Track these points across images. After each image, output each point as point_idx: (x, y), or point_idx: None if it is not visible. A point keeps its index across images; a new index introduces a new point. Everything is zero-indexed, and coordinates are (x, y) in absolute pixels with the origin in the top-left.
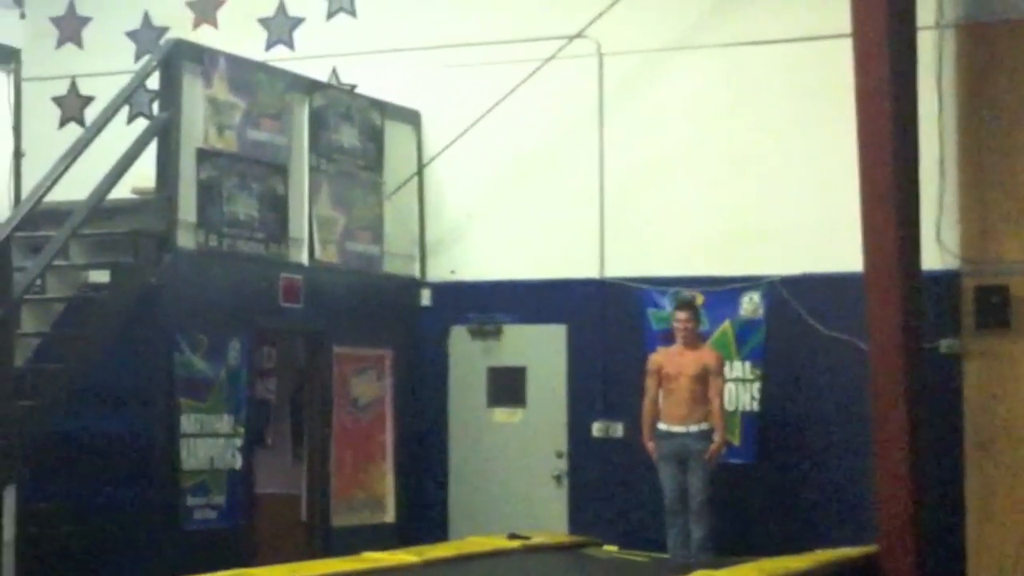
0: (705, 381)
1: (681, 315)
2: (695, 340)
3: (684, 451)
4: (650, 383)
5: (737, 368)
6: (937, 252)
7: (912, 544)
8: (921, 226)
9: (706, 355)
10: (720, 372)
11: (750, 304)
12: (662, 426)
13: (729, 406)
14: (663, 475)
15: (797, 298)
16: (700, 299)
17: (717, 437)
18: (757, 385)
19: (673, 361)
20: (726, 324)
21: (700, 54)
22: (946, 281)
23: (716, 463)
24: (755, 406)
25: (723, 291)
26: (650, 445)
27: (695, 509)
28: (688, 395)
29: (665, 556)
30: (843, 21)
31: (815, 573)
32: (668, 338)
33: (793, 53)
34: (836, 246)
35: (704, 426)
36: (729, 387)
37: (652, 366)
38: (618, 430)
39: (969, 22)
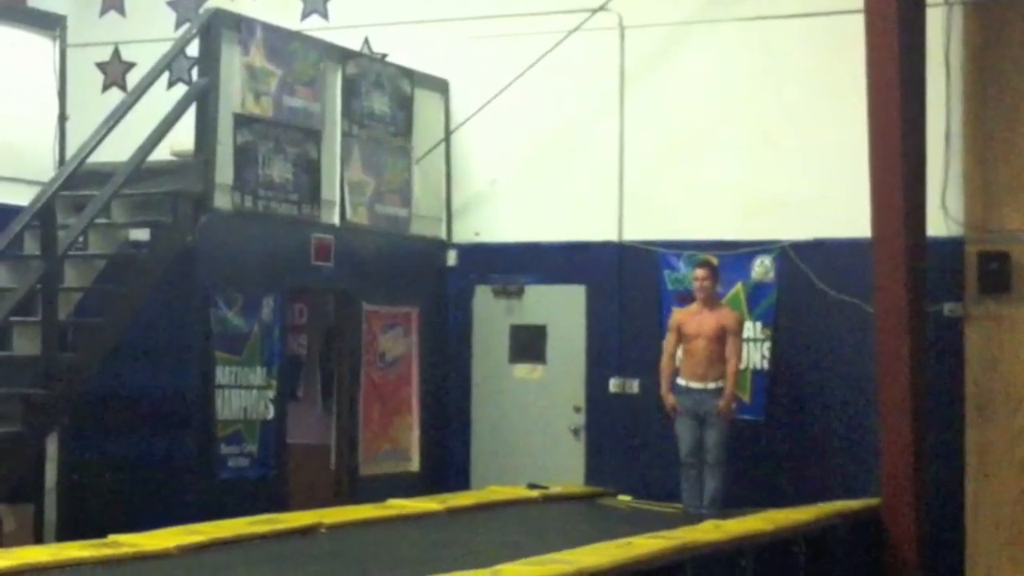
0: (722, 341)
1: (700, 272)
2: (713, 298)
3: (701, 407)
4: (669, 339)
5: (748, 328)
6: (942, 220)
7: (913, 498)
8: (927, 195)
9: (725, 315)
10: (738, 332)
11: (762, 267)
12: (681, 382)
13: (740, 365)
14: (679, 428)
15: (807, 262)
16: (715, 261)
17: (726, 395)
18: (767, 345)
19: (692, 320)
20: (738, 286)
21: (719, 28)
22: (950, 247)
23: (729, 418)
24: (765, 365)
25: (736, 255)
26: (669, 398)
27: (710, 463)
28: (706, 354)
29: (678, 506)
30: None
31: (820, 524)
32: (683, 299)
33: (810, 27)
34: (845, 213)
35: (722, 383)
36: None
37: (672, 323)
38: (634, 386)
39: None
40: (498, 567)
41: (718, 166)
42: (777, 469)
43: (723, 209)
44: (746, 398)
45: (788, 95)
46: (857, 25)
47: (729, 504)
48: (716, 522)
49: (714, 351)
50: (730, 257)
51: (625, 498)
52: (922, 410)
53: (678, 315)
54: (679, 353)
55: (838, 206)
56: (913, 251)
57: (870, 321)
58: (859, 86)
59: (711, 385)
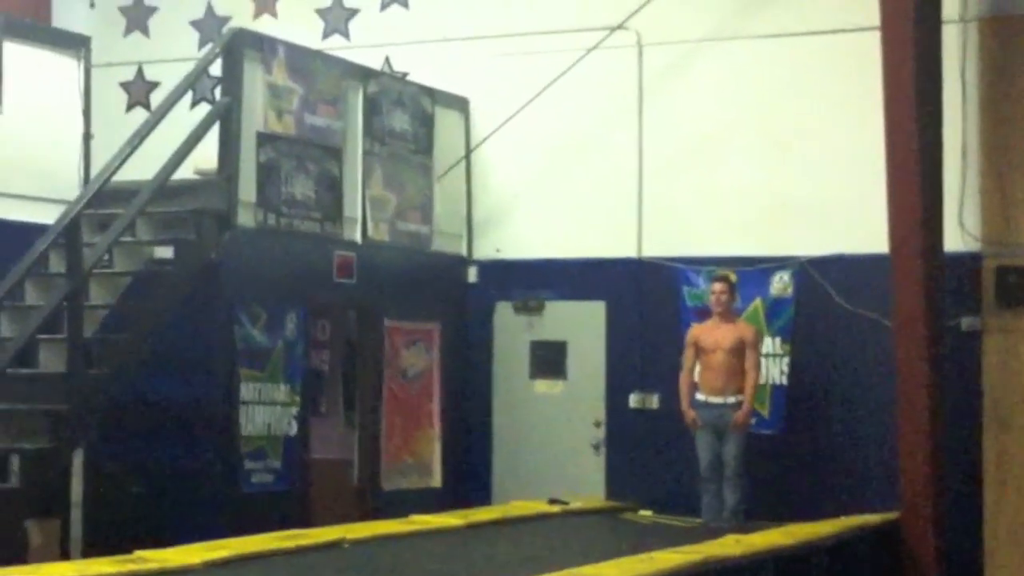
0: (741, 354)
1: (717, 286)
2: (730, 312)
3: (720, 421)
4: (688, 355)
5: (767, 344)
6: (959, 234)
7: (932, 511)
8: (944, 209)
9: (742, 329)
10: (756, 346)
11: (780, 283)
12: (700, 396)
13: (759, 380)
14: (699, 443)
15: (825, 277)
16: (734, 277)
17: (744, 407)
18: (786, 360)
19: (710, 335)
20: (757, 302)
21: (735, 45)
22: (967, 262)
23: (746, 430)
24: (784, 380)
25: (755, 270)
26: (689, 413)
27: (729, 476)
28: (724, 368)
29: (699, 520)
30: (872, 14)
31: (841, 538)
32: (702, 314)
33: (825, 44)
34: (863, 228)
35: (740, 397)
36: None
37: (690, 339)
38: (654, 401)
39: (992, 15)
40: None
41: (736, 182)
42: (797, 483)
43: (741, 225)
44: (765, 412)
45: (804, 111)
46: (873, 42)
47: (750, 517)
48: (737, 536)
49: (732, 364)
50: (749, 273)
51: (646, 512)
52: (940, 424)
53: (695, 330)
54: (697, 368)
55: (856, 221)
56: (931, 265)
57: (888, 335)
58: (875, 102)
59: (730, 399)
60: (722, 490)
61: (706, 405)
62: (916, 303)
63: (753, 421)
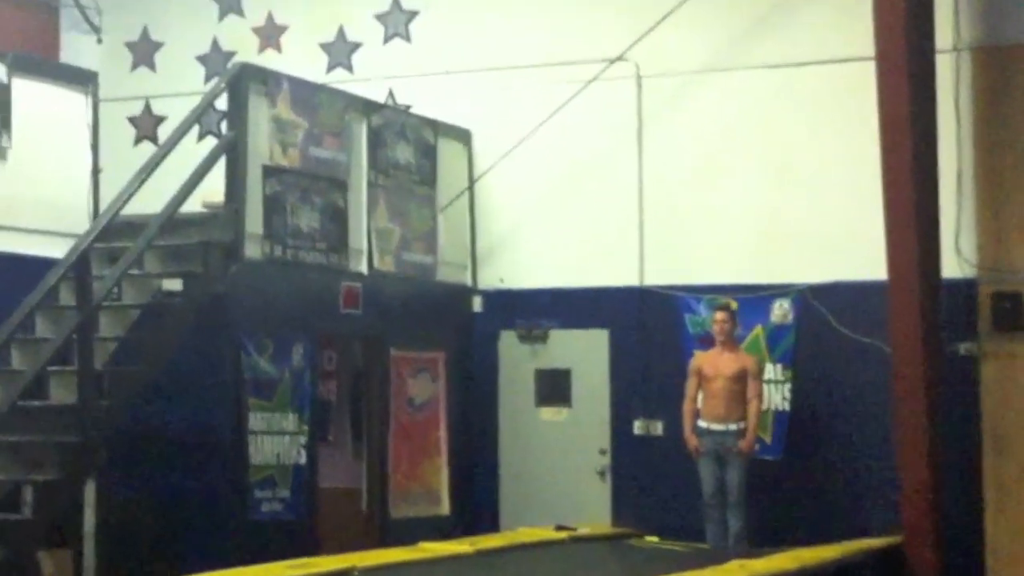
0: (743, 382)
1: (720, 315)
2: (732, 340)
3: (723, 448)
4: (690, 383)
5: (769, 370)
6: (956, 261)
7: (934, 534)
8: (940, 237)
9: (744, 358)
10: (758, 374)
11: (781, 310)
12: (702, 424)
13: (762, 407)
14: (702, 470)
15: (825, 304)
16: (734, 305)
17: (748, 435)
18: (787, 386)
19: (712, 363)
20: (758, 329)
21: (732, 76)
22: (964, 288)
23: (749, 458)
24: (785, 405)
25: (756, 298)
26: (692, 440)
27: (732, 503)
28: (726, 395)
29: (704, 546)
30: (867, 45)
31: (845, 562)
32: (704, 342)
33: (821, 74)
34: (861, 256)
35: (742, 424)
36: None
37: (693, 367)
38: (658, 428)
39: (984, 45)
40: None
41: (736, 211)
42: (799, 507)
43: (742, 254)
44: (767, 438)
45: (802, 140)
46: (868, 72)
47: (754, 541)
48: (742, 562)
49: (734, 392)
50: (750, 300)
51: (652, 538)
52: (939, 447)
53: (699, 358)
54: (700, 395)
55: (854, 249)
56: (928, 292)
57: (887, 361)
58: (872, 131)
59: (732, 426)
60: (726, 516)
61: (708, 432)
62: (914, 329)
63: (757, 447)
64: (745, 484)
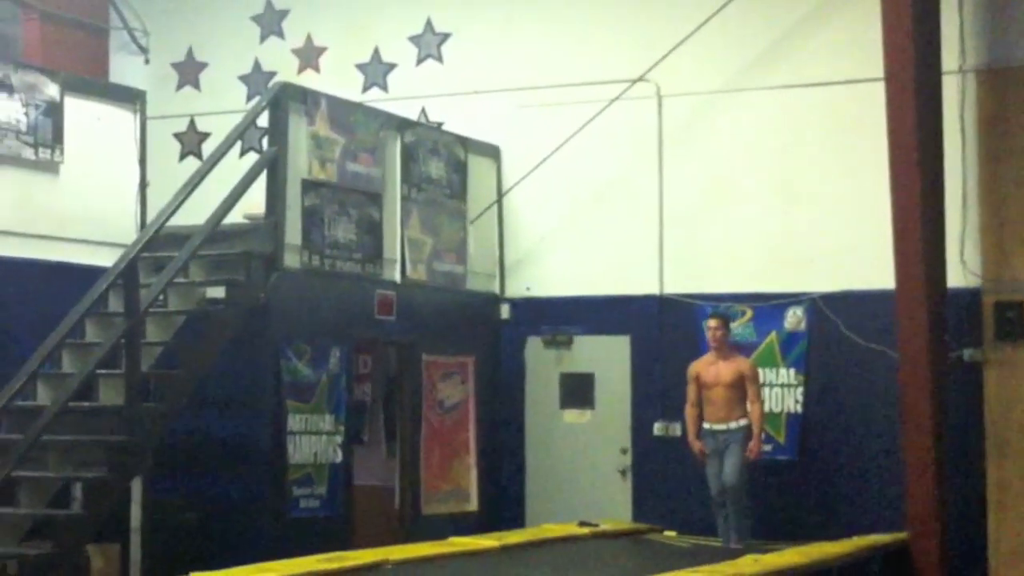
0: (740, 387)
1: (712, 323)
2: (725, 348)
3: (723, 445)
4: (690, 389)
5: (782, 375)
6: (961, 272)
7: (938, 531)
8: (946, 249)
9: (740, 364)
10: (755, 379)
11: (794, 318)
12: (706, 425)
13: (775, 408)
14: (709, 470)
15: (836, 312)
16: (749, 313)
17: (754, 438)
18: (800, 390)
19: (709, 370)
20: (772, 336)
21: (749, 96)
22: (968, 297)
23: (757, 459)
24: (798, 408)
25: (769, 306)
26: (696, 444)
27: (729, 492)
28: (725, 401)
29: (719, 541)
30: (877, 66)
31: (853, 557)
32: None
33: (833, 95)
34: (870, 266)
35: (743, 422)
36: (775, 392)
37: (691, 374)
38: (676, 429)
39: (988, 67)
40: None
41: (752, 223)
42: (810, 505)
43: (757, 264)
44: (781, 439)
45: (815, 157)
46: (878, 92)
47: (767, 537)
48: (756, 556)
49: (733, 397)
50: (764, 308)
51: (671, 534)
52: (944, 449)
53: (696, 366)
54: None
55: (864, 260)
56: (934, 301)
57: (895, 366)
58: (880, 148)
59: (733, 425)
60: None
61: (711, 433)
62: (921, 336)
63: (769, 448)
64: (741, 472)
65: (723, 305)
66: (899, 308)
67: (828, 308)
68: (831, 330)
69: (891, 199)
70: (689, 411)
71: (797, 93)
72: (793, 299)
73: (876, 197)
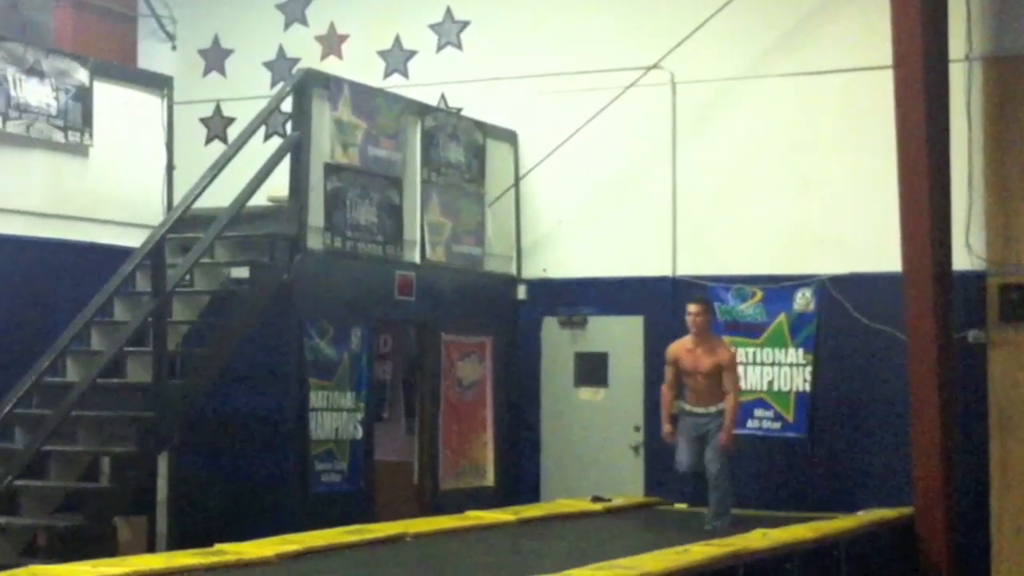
0: (719, 375)
1: (693, 307)
2: (706, 332)
3: (704, 428)
4: (667, 372)
5: (791, 355)
6: (966, 255)
7: (943, 507)
8: (952, 232)
9: (719, 353)
10: (732, 367)
11: (803, 299)
12: (686, 406)
13: (784, 387)
14: (681, 449)
15: (844, 294)
16: (760, 295)
17: (724, 430)
18: (809, 369)
19: (689, 356)
20: (782, 317)
21: (761, 83)
22: (974, 280)
23: (729, 451)
24: (806, 387)
25: (780, 288)
26: (667, 427)
27: (710, 478)
28: (706, 387)
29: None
30: (887, 55)
31: (860, 531)
32: (731, 328)
33: (843, 82)
34: (878, 249)
35: (721, 405)
36: (784, 371)
37: (670, 357)
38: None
39: (994, 56)
40: (566, 572)
41: (762, 207)
42: (819, 481)
43: (767, 246)
44: (790, 417)
45: (824, 142)
46: (886, 80)
47: (777, 507)
48: (765, 530)
49: (712, 384)
50: (774, 290)
51: (680, 507)
52: (950, 428)
53: (675, 348)
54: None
55: (872, 243)
56: (940, 283)
57: (902, 347)
58: (889, 134)
59: (712, 409)
60: (706, 492)
61: (691, 414)
62: (927, 318)
63: (778, 425)
64: (722, 460)
65: (735, 287)
66: (906, 290)
67: (837, 290)
68: (839, 311)
69: (899, 184)
70: (665, 392)
71: (808, 80)
72: (803, 281)
73: (884, 182)
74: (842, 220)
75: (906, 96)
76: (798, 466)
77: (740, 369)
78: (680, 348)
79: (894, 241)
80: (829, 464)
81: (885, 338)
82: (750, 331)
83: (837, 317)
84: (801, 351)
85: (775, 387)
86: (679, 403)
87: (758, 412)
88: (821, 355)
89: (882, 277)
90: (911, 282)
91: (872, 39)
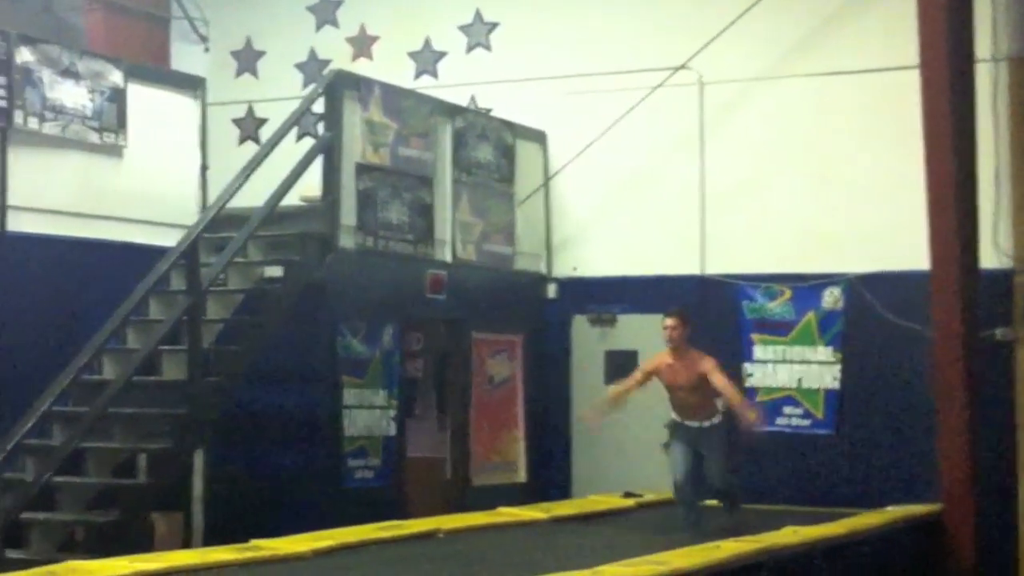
0: (703, 385)
1: (669, 321)
2: (683, 347)
3: (698, 443)
4: (635, 375)
5: (820, 352)
6: (993, 253)
7: (971, 503)
8: (979, 230)
9: (699, 364)
10: (717, 371)
11: (831, 297)
12: (676, 418)
13: (812, 385)
14: (673, 455)
15: (872, 292)
16: (788, 293)
17: (741, 409)
18: (837, 367)
19: (668, 371)
20: (810, 315)
21: (789, 83)
22: (1001, 278)
23: (756, 426)
24: (835, 385)
25: (808, 286)
26: (591, 415)
27: (720, 493)
28: (691, 403)
29: (758, 507)
30: (912, 54)
31: (889, 527)
32: (760, 326)
33: (869, 81)
34: (905, 248)
35: (716, 419)
36: (812, 368)
37: (648, 366)
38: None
39: (1021, 56)
40: (598, 568)
41: (790, 206)
42: (847, 477)
43: (795, 245)
44: (819, 414)
45: (851, 142)
46: (912, 79)
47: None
48: (795, 527)
49: (699, 397)
50: (802, 288)
51: (711, 502)
52: (977, 424)
53: (655, 360)
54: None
55: (899, 242)
56: (967, 281)
57: (929, 345)
58: (915, 134)
59: (705, 423)
60: (696, 501)
61: (682, 427)
62: (954, 315)
63: (807, 422)
64: (727, 476)
65: (763, 285)
66: (933, 288)
67: (864, 288)
68: (867, 309)
69: (926, 184)
70: (615, 389)
71: (834, 80)
72: (830, 279)
73: (911, 181)
74: (869, 219)
75: (932, 96)
76: (827, 463)
77: (769, 367)
78: (660, 362)
79: (921, 239)
80: (857, 461)
81: (913, 336)
82: (778, 329)
83: (865, 315)
84: (830, 349)
85: (804, 384)
86: (671, 416)
87: (787, 409)
88: (849, 353)
89: (909, 275)
90: (938, 280)
91: (897, 39)
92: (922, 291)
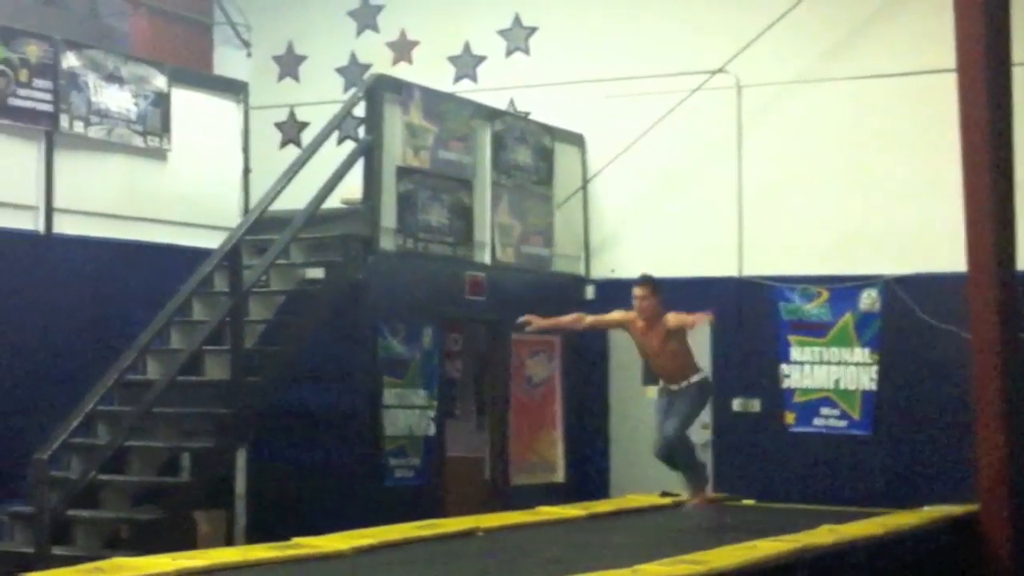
0: (675, 346)
1: (638, 290)
2: (653, 317)
3: (672, 403)
4: (610, 316)
5: (857, 354)
6: None
7: (1008, 503)
8: (1016, 232)
9: (664, 324)
10: (673, 315)
11: (868, 299)
12: (662, 384)
13: (849, 386)
14: (656, 419)
15: (909, 294)
16: (825, 295)
17: (697, 320)
18: (875, 368)
19: (637, 335)
20: (848, 316)
21: (824, 86)
22: None
23: (692, 323)
24: (873, 386)
25: (845, 288)
26: (533, 320)
27: (672, 445)
28: (668, 365)
29: (795, 507)
30: (948, 58)
31: (926, 527)
32: (797, 327)
33: (906, 85)
34: (942, 250)
35: (695, 378)
36: (849, 370)
37: (623, 316)
38: (755, 405)
39: None
40: (637, 567)
41: (826, 208)
42: (883, 478)
43: (832, 247)
44: (856, 415)
45: (888, 145)
46: (949, 83)
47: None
48: (831, 526)
49: (675, 360)
50: (840, 289)
51: (749, 502)
52: (1014, 426)
53: (631, 317)
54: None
55: (936, 244)
56: (1004, 283)
57: (966, 346)
58: (951, 136)
59: (684, 384)
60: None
61: (665, 390)
62: (991, 317)
63: (844, 423)
64: (680, 432)
65: (800, 287)
66: (970, 290)
67: (901, 290)
68: (904, 311)
69: (963, 186)
70: (580, 318)
71: (871, 83)
72: (868, 281)
73: (948, 183)
74: (907, 221)
75: (969, 100)
76: (863, 463)
77: (806, 368)
78: (633, 320)
79: (958, 241)
80: (894, 461)
81: (950, 337)
82: (815, 331)
83: (902, 316)
84: (867, 350)
85: (841, 386)
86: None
87: (824, 410)
88: (886, 354)
89: (946, 277)
90: (975, 282)
91: (934, 42)
92: (959, 292)
